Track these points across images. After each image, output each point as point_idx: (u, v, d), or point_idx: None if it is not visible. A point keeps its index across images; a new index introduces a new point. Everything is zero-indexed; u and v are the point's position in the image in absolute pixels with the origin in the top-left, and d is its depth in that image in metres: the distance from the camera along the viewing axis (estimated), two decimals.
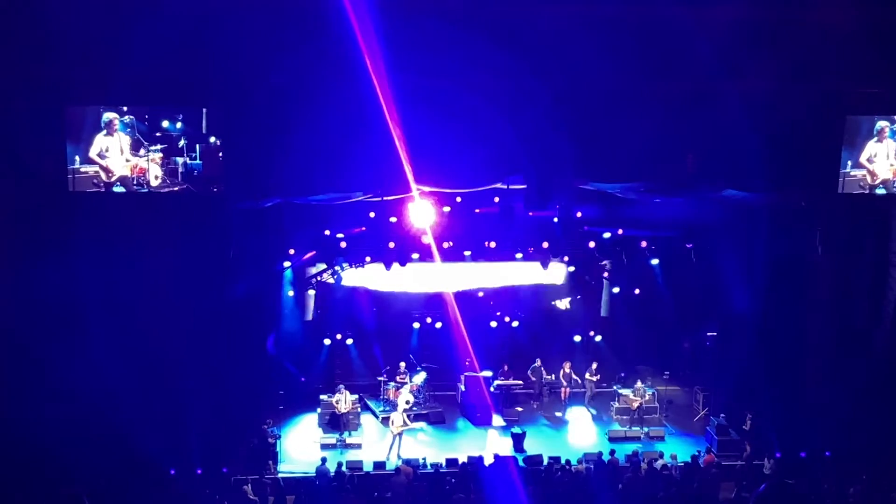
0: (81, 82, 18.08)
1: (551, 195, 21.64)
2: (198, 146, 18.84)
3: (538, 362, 25.36)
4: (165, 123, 18.78)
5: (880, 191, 20.67)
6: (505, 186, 21.65)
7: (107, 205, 19.02)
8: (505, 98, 18.48)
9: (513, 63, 17.90)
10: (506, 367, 25.00)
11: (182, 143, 18.84)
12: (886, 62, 19.20)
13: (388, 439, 21.96)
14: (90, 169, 18.69)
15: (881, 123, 20.29)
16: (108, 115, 18.53)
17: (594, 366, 25.49)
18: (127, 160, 18.78)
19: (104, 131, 18.60)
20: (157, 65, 17.10)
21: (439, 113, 17.80)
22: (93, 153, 18.64)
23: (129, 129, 18.67)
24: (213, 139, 18.78)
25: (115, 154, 18.73)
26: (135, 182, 18.87)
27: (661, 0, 17.08)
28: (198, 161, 18.89)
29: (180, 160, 18.88)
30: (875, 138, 20.36)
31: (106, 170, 18.76)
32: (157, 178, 18.89)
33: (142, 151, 18.78)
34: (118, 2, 17.32)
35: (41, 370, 19.28)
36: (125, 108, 18.55)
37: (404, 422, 21.78)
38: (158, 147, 18.81)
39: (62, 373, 19.08)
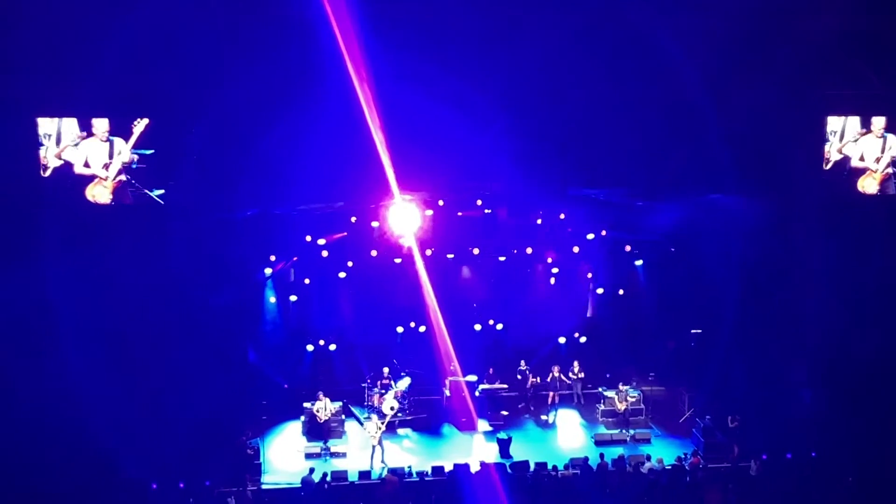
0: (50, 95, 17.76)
1: (535, 199, 21.47)
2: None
3: (523, 364, 25.15)
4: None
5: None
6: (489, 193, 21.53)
7: (82, 214, 18.69)
8: (491, 103, 18.25)
9: (498, 70, 17.73)
10: (490, 371, 24.77)
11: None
12: (859, 65, 19.21)
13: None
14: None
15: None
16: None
17: (576, 364, 25.30)
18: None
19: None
20: (128, 78, 16.77)
21: (425, 119, 17.54)
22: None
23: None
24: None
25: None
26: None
27: (645, 12, 16.93)
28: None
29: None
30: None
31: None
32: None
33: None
34: (90, 19, 16.95)
35: (16, 382, 18.92)
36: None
37: (378, 427, 21.48)
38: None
39: (39, 387, 18.79)
